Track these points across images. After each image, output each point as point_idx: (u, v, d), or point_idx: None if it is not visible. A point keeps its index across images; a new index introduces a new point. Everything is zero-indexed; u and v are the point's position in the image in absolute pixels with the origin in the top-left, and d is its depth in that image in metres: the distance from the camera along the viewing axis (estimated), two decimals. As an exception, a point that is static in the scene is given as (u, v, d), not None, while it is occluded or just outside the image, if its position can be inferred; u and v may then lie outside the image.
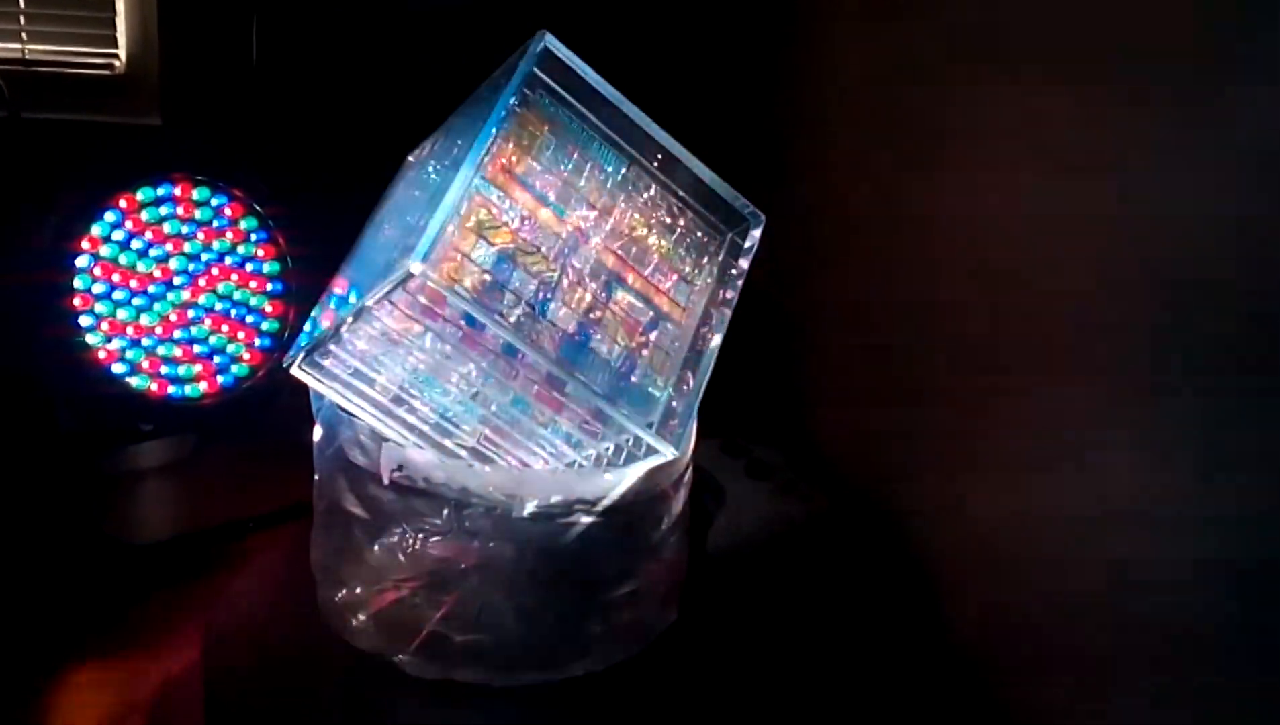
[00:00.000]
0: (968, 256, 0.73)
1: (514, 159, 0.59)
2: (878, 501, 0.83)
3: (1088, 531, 0.61)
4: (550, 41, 0.59)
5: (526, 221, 0.58)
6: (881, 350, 0.84)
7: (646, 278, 0.60)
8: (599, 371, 0.57)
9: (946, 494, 0.76)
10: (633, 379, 0.58)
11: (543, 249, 0.58)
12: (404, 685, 0.57)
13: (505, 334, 0.54)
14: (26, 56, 0.90)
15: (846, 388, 0.91)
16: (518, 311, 0.56)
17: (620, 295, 0.59)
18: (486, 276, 0.56)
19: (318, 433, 0.60)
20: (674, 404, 0.57)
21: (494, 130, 0.56)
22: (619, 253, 0.60)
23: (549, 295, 0.57)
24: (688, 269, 0.62)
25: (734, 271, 0.62)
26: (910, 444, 0.81)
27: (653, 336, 0.59)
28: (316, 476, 0.61)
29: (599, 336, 0.58)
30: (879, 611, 0.78)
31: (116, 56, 0.91)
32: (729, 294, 0.62)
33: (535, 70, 0.59)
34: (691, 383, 0.58)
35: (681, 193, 0.63)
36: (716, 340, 0.60)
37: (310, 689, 0.58)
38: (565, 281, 0.58)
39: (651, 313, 0.60)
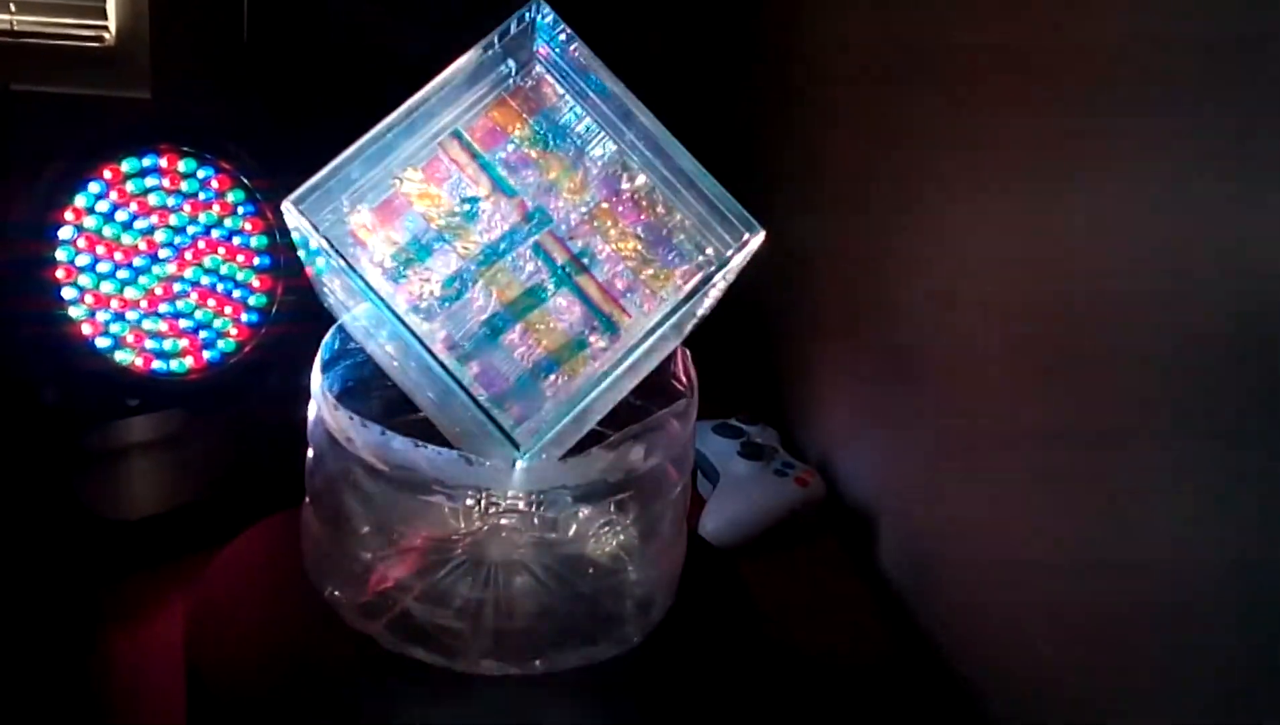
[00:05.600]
0: (966, 244, 0.73)
1: (495, 127, 0.57)
2: (872, 487, 0.83)
3: (1081, 533, 0.61)
4: (544, 11, 0.56)
5: (474, 195, 0.56)
6: (877, 336, 0.84)
7: (594, 278, 0.56)
8: (505, 365, 0.54)
9: (940, 482, 0.75)
10: (544, 382, 0.54)
11: (475, 227, 0.56)
12: (391, 666, 0.56)
13: (362, 287, 0.52)
14: (15, 28, 0.89)
15: (843, 371, 0.90)
16: (418, 283, 0.54)
17: (562, 291, 0.56)
18: (396, 242, 0.55)
19: (312, 409, 0.59)
20: (560, 413, 0.52)
21: (430, 92, 0.55)
22: (569, 247, 0.56)
23: (469, 276, 0.55)
24: (650, 273, 0.56)
25: (713, 284, 0.56)
26: (904, 430, 0.80)
27: (594, 341, 0.55)
28: (310, 452, 0.59)
29: (519, 331, 0.55)
30: (871, 595, 0.78)
31: (106, 29, 0.90)
32: (697, 309, 0.57)
33: (541, 42, 0.57)
34: (581, 393, 0.53)
35: (675, 193, 0.57)
36: (646, 359, 0.55)
37: (296, 668, 0.57)
38: (499, 265, 0.55)
39: (584, 313, 0.56)
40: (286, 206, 0.53)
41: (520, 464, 0.52)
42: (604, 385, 0.53)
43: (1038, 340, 0.64)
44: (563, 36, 0.57)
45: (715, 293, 0.58)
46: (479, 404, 0.52)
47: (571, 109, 0.58)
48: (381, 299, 0.53)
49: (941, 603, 0.73)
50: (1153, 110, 0.55)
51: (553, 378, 0.54)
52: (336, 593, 0.58)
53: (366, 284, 0.53)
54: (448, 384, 0.52)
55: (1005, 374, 0.68)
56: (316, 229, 0.53)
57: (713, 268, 0.56)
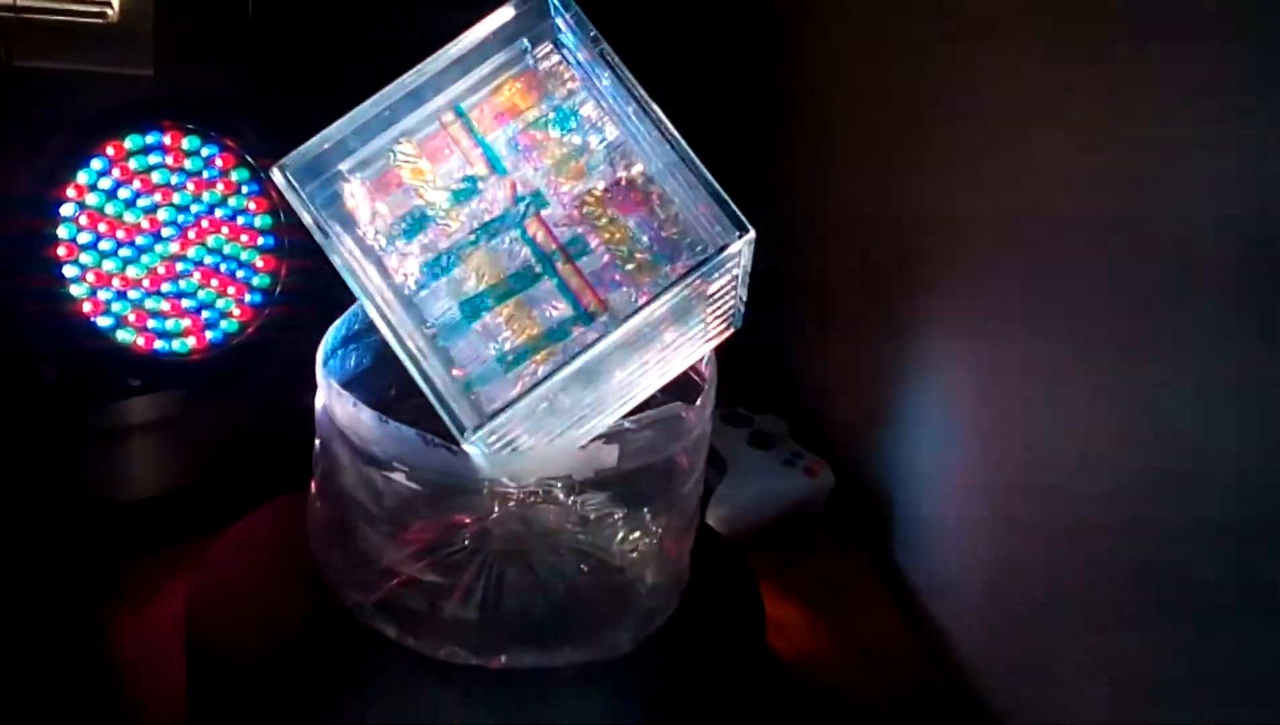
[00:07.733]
0: (966, 229, 0.72)
1: (503, 107, 0.56)
2: (882, 478, 0.82)
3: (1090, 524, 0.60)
4: None
5: (473, 174, 0.55)
6: (887, 325, 0.83)
7: (579, 268, 0.54)
8: (478, 348, 0.53)
9: (950, 472, 0.75)
10: (518, 370, 0.53)
11: (468, 206, 0.54)
12: (394, 653, 0.56)
13: (337, 257, 0.52)
14: (18, 4, 0.88)
15: (851, 361, 0.90)
16: (399, 258, 0.53)
17: (548, 279, 0.54)
18: (385, 216, 0.54)
19: (320, 398, 0.58)
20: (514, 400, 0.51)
21: (436, 62, 0.54)
22: (558, 234, 0.54)
23: (454, 256, 0.54)
24: (634, 267, 0.54)
25: (702, 283, 0.54)
26: (913, 420, 0.80)
27: (576, 332, 0.54)
28: (318, 440, 0.59)
29: (501, 316, 0.53)
30: (880, 586, 0.77)
31: (109, 5, 0.89)
32: (711, 309, 0.56)
33: (556, 25, 0.56)
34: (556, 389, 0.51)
35: (674, 188, 0.55)
36: (640, 353, 0.54)
37: (297, 651, 0.57)
38: (487, 247, 0.54)
39: (561, 307, 0.54)
40: (274, 171, 0.52)
41: (470, 448, 0.51)
42: (564, 374, 0.51)
43: (1053, 318, 0.64)
44: (577, 21, 0.55)
45: (726, 292, 0.56)
46: (429, 382, 0.51)
47: (580, 94, 0.57)
48: (354, 272, 0.52)
49: (953, 595, 0.73)
50: None
51: (527, 366, 0.53)
52: (334, 563, 0.58)
53: (340, 255, 0.52)
54: (407, 362, 0.51)
55: (1018, 360, 0.67)
56: (300, 196, 0.53)
57: (700, 266, 0.53)
